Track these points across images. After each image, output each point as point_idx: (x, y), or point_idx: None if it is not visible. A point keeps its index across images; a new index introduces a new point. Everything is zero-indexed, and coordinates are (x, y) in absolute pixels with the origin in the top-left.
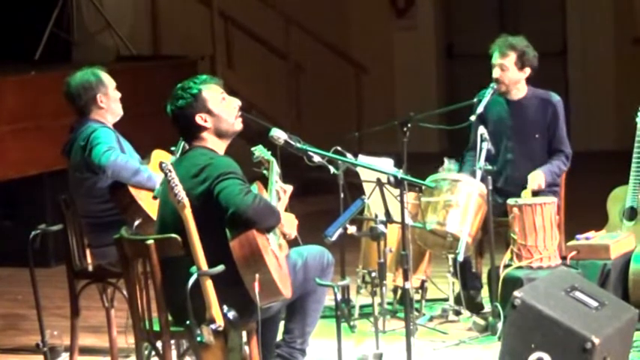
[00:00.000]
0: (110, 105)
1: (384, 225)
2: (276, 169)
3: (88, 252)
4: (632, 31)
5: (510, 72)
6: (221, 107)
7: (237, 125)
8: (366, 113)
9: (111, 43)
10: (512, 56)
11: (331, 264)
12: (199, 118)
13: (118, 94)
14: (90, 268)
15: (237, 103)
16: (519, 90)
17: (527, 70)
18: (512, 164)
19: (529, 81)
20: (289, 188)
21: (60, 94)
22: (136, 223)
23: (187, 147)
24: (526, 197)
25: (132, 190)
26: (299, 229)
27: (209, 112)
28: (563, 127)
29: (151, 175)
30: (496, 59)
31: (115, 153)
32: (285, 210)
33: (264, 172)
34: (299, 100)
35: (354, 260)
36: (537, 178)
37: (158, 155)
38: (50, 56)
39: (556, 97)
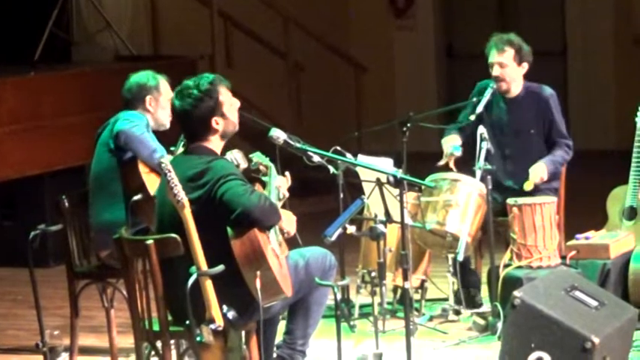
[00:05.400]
0: (157, 111)
1: (383, 225)
2: (274, 175)
3: (89, 246)
4: (632, 31)
5: (510, 68)
6: (231, 111)
7: (237, 126)
8: (366, 113)
9: (110, 43)
10: (510, 52)
11: (334, 266)
12: (214, 122)
13: (169, 106)
14: (94, 259)
15: (238, 104)
16: (517, 87)
17: (525, 66)
18: (509, 160)
19: (524, 77)
20: (285, 183)
21: (59, 95)
22: (135, 197)
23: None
24: (528, 188)
25: (142, 170)
26: (298, 229)
27: (223, 115)
28: (560, 119)
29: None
30: (494, 57)
31: (134, 125)
32: (284, 207)
33: (263, 178)
34: (298, 99)
35: (354, 260)
36: (538, 171)
37: None
38: (50, 57)
39: (548, 91)
